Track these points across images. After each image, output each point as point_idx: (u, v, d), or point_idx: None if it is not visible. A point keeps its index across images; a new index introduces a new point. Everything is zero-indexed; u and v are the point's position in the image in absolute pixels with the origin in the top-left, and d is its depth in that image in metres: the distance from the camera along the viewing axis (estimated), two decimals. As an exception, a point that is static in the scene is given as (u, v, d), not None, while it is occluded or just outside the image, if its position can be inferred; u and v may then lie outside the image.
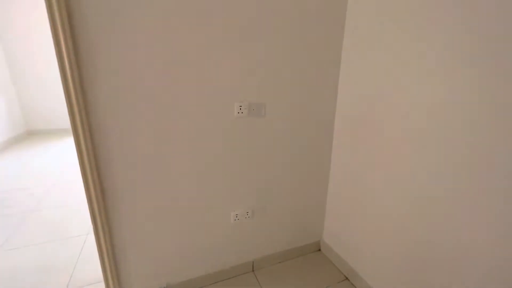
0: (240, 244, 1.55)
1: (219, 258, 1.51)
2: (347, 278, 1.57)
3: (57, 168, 3.31)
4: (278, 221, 1.63)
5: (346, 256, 1.59)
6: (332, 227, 1.71)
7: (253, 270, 1.63)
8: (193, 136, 1.23)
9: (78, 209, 2.31)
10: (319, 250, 1.83)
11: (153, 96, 1.11)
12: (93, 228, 1.16)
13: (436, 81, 0.98)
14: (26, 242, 1.88)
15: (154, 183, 1.22)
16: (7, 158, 3.67)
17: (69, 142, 4.46)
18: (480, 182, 0.88)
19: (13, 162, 3.50)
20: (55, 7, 0.90)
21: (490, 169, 0.85)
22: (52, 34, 0.93)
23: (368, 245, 1.42)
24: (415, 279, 1.16)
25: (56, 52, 0.95)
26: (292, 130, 1.46)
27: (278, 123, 1.40)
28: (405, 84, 1.10)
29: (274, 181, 1.52)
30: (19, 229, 2.02)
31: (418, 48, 1.03)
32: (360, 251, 1.47)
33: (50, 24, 0.92)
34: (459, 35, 0.89)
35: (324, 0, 1.30)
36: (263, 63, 1.27)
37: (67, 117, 4.88)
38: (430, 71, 1.00)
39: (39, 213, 2.25)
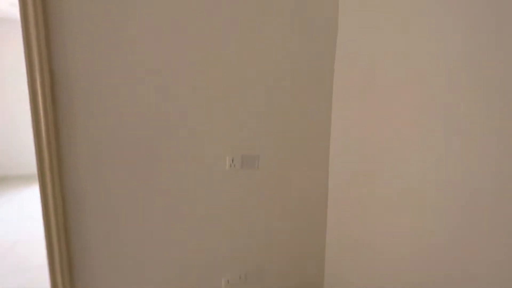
0: (234, 312, 1.36)
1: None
2: None
3: (24, 221, 2.95)
4: (275, 282, 1.47)
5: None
6: (333, 282, 1.57)
7: None
8: (181, 192, 1.14)
9: (43, 275, 2.00)
10: (320, 308, 1.65)
11: (139, 151, 1.04)
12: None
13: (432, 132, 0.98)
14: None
15: (131, 246, 1.09)
16: (-35, 210, 3.27)
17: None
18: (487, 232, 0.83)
19: (-28, 215, 3.12)
20: (33, 44, 0.84)
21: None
22: (28, 81, 0.85)
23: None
24: None
25: (31, 106, 0.86)
26: (286, 182, 1.40)
27: (273, 175, 1.34)
28: (396, 133, 1.10)
29: (269, 237, 1.40)
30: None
31: (407, 99, 1.05)
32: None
33: (26, 65, 0.85)
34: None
35: (313, 52, 1.33)
36: (255, 115, 1.24)
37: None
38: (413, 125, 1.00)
39: (-5, 280, 1.93)
